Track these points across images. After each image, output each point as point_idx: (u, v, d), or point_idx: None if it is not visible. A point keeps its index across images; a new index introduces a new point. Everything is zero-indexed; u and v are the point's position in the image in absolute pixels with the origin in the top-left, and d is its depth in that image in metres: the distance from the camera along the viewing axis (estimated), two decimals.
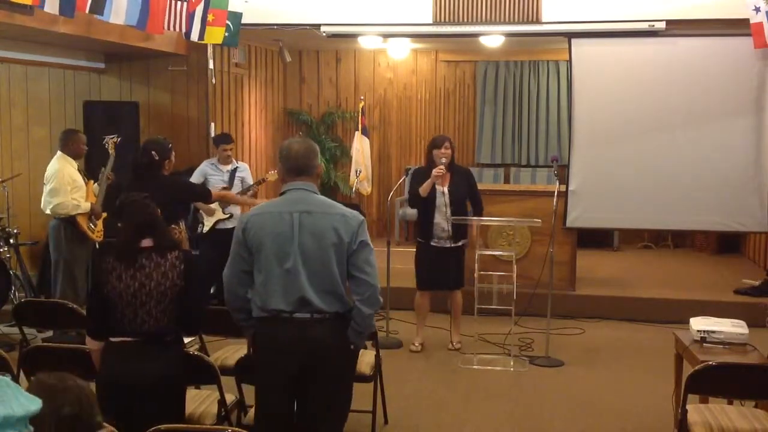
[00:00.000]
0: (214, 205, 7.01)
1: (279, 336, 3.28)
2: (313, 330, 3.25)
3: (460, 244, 6.13)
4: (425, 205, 6.09)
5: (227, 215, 6.98)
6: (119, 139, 6.55)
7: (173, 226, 5.53)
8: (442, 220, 6.03)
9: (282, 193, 3.42)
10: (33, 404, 1.54)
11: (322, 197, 3.41)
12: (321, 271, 3.25)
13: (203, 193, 5.93)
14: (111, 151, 6.43)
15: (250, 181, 7.30)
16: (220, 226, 6.93)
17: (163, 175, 5.42)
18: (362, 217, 3.37)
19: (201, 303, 3.57)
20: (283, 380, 3.30)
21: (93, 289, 3.41)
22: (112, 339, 3.31)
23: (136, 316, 3.27)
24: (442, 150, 6.02)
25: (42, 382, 1.79)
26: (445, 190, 6.05)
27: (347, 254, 3.28)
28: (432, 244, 6.08)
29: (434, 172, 5.93)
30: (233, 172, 7.18)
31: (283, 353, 3.28)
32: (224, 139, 7.30)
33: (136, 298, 3.25)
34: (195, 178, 7.04)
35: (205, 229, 6.95)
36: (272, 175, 7.38)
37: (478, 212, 6.22)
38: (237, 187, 7.17)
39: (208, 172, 7.15)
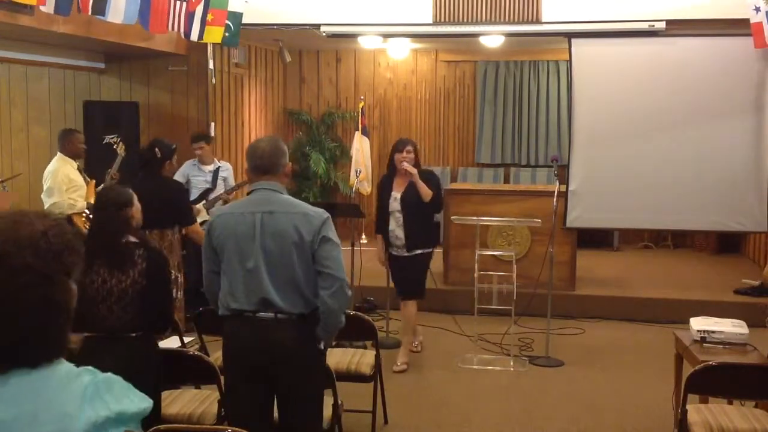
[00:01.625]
0: (199, 206, 6.97)
1: (241, 335, 3.29)
2: (274, 332, 3.24)
3: (416, 253, 5.75)
4: (381, 213, 5.85)
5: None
6: (119, 139, 6.55)
7: (165, 229, 5.52)
8: (397, 227, 5.74)
9: (248, 193, 3.42)
10: (144, 402, 1.56)
11: (287, 197, 3.36)
12: (283, 271, 3.23)
13: (188, 217, 5.73)
14: (120, 152, 6.42)
15: (233, 181, 7.26)
16: (206, 227, 6.87)
17: (166, 176, 5.46)
18: (326, 215, 3.29)
19: (166, 302, 3.49)
20: (244, 379, 3.31)
21: None
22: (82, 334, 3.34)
23: (97, 312, 3.28)
24: (404, 154, 5.72)
25: None
26: (398, 195, 5.75)
27: (311, 253, 3.23)
28: (392, 252, 5.84)
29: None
30: (216, 172, 7.12)
31: (245, 352, 3.29)
32: (195, 137, 7.23)
33: (97, 293, 3.27)
34: (177, 179, 6.99)
35: None
36: None
37: (433, 210, 5.87)
38: (220, 187, 7.09)
39: (191, 173, 7.04)
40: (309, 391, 3.38)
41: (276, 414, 3.42)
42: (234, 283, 3.28)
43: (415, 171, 5.67)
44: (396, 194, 5.76)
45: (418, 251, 5.76)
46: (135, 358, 3.32)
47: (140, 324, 3.34)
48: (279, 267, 3.23)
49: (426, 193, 5.66)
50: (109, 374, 1.56)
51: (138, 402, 1.55)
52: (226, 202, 7.13)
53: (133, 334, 3.33)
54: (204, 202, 6.98)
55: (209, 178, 7.08)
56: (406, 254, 5.75)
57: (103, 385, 1.52)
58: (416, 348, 6.20)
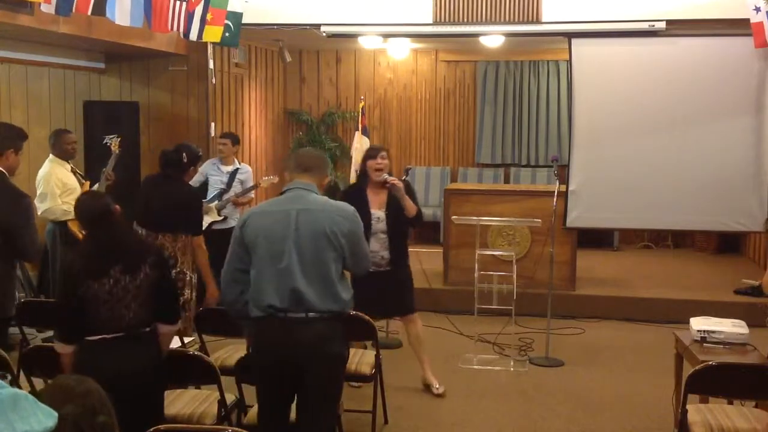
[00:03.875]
0: (212, 205, 6.99)
1: (272, 336, 3.32)
2: (305, 331, 3.27)
3: (402, 266, 5.30)
4: None
5: (222, 217, 6.98)
6: (114, 138, 6.52)
7: (178, 233, 5.52)
8: (381, 248, 5.15)
9: (282, 192, 3.47)
10: (50, 419, 1.52)
11: (320, 196, 3.46)
12: (316, 268, 3.29)
13: (197, 227, 5.66)
14: (115, 149, 6.30)
15: (250, 184, 7.29)
16: (216, 226, 6.90)
17: (185, 182, 5.49)
18: (354, 213, 3.47)
19: (176, 292, 3.53)
20: (276, 380, 3.34)
21: (64, 294, 3.35)
22: (89, 338, 3.29)
23: (113, 313, 3.26)
24: (378, 160, 5.13)
25: (66, 385, 1.80)
26: (381, 214, 5.15)
27: (341, 251, 3.35)
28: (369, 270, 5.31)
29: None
30: (233, 173, 7.17)
31: (275, 353, 3.32)
32: (225, 134, 7.37)
33: (112, 295, 3.25)
34: (195, 178, 7.00)
35: None
36: (266, 182, 7.36)
37: (416, 225, 5.41)
38: (236, 188, 7.13)
39: (209, 172, 7.14)
40: (329, 391, 3.41)
41: (293, 414, 3.44)
42: (265, 281, 3.31)
43: (401, 185, 5.13)
44: (378, 213, 5.17)
45: (403, 264, 5.33)
46: (154, 352, 3.38)
47: (148, 319, 3.36)
48: (312, 264, 3.30)
49: (411, 208, 5.19)
50: (15, 390, 1.51)
51: (44, 420, 1.50)
52: (237, 204, 7.15)
53: (148, 329, 3.36)
54: (216, 202, 7.02)
55: (225, 179, 7.13)
56: (388, 269, 5.19)
57: (9, 403, 1.46)
58: (439, 390, 5.42)
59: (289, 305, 3.27)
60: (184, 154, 5.43)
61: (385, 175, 5.14)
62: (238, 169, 7.21)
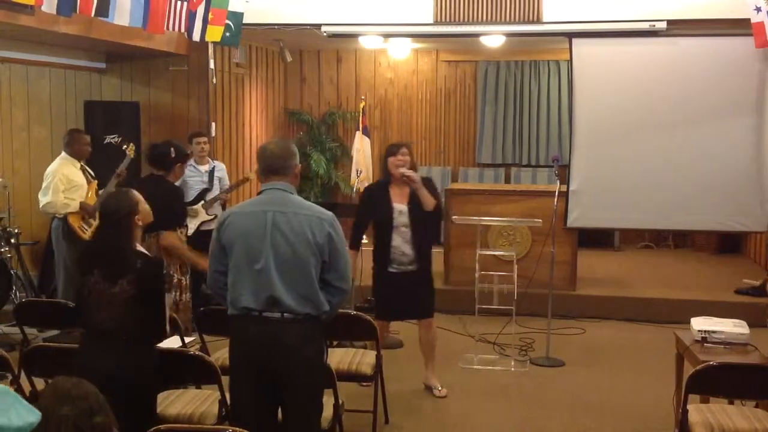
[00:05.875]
0: (198, 206, 6.93)
1: (248, 335, 3.30)
2: (281, 332, 3.25)
3: (425, 266, 5.25)
4: (380, 227, 5.21)
5: (211, 216, 6.91)
6: (120, 140, 6.54)
7: (177, 229, 5.52)
8: (403, 243, 5.13)
9: (259, 193, 3.44)
10: (32, 416, 1.54)
11: (298, 198, 3.41)
12: (293, 271, 3.26)
13: (173, 222, 5.58)
14: (130, 153, 6.43)
15: (228, 181, 7.26)
16: (205, 227, 6.84)
17: (168, 180, 5.48)
18: (334, 218, 3.37)
19: (159, 312, 3.43)
20: (251, 378, 3.31)
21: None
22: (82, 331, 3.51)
23: (91, 312, 3.37)
24: (399, 157, 5.15)
25: (64, 387, 1.83)
26: (404, 207, 5.16)
27: (320, 255, 3.30)
28: (391, 270, 5.17)
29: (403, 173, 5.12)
30: (211, 172, 7.10)
31: (250, 351, 3.30)
32: (197, 133, 7.26)
33: (91, 294, 3.35)
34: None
35: (190, 231, 6.80)
36: (254, 174, 7.33)
37: (433, 224, 5.41)
38: (216, 188, 7.08)
39: (187, 174, 6.97)
40: (309, 391, 3.39)
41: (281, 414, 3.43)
42: (242, 283, 3.29)
43: (417, 177, 5.14)
44: (400, 206, 5.17)
45: (427, 265, 5.28)
46: (121, 361, 3.32)
47: (127, 330, 3.33)
48: (289, 266, 3.26)
49: (429, 201, 5.16)
50: None
51: (24, 415, 1.54)
52: (224, 202, 7.12)
53: (124, 338, 3.35)
54: (202, 202, 6.96)
55: (206, 178, 7.06)
56: (413, 269, 5.19)
57: None
58: (441, 393, 5.42)
59: (264, 307, 3.26)
60: (171, 149, 5.42)
61: (402, 170, 5.16)
62: (214, 167, 7.16)
